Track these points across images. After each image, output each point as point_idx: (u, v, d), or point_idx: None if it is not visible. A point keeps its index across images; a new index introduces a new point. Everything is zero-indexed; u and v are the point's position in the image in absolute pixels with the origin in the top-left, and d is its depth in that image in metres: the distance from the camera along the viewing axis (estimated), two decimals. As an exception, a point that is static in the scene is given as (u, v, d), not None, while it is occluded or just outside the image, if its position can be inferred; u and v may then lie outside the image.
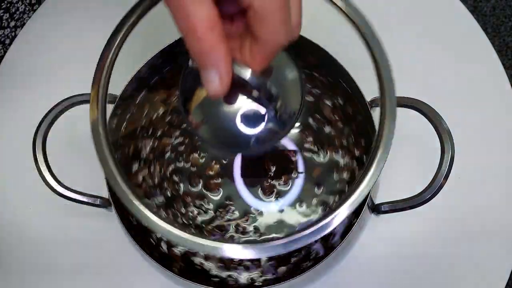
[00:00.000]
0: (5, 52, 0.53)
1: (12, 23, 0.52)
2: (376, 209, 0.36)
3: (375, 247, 0.45)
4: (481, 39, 0.52)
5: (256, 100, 0.29)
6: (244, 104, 0.30)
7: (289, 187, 0.37)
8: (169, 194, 0.39)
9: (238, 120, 0.30)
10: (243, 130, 0.30)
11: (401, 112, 0.38)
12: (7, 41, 0.52)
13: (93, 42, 0.53)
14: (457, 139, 0.36)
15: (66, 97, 0.39)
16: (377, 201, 0.36)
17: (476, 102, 0.49)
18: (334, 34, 0.43)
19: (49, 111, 0.38)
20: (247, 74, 0.27)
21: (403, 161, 0.46)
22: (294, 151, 0.37)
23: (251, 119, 0.30)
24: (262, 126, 0.30)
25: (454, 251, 0.45)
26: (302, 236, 0.33)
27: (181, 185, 0.39)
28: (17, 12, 0.52)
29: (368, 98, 0.39)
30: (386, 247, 0.45)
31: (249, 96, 0.29)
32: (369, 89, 0.38)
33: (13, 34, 0.53)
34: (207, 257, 0.38)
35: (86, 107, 0.40)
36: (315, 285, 0.44)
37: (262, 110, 0.30)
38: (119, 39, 0.31)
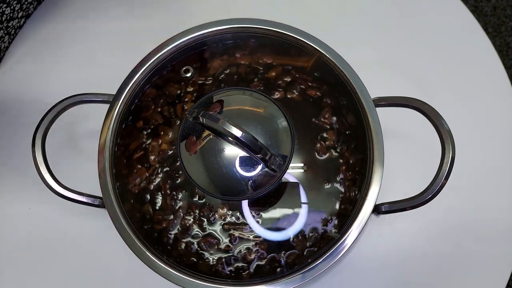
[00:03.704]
0: (9, 43, 0.53)
1: (20, 14, 0.51)
2: (376, 209, 0.36)
3: (375, 247, 0.45)
4: (481, 39, 0.52)
5: (249, 149, 0.32)
6: (238, 153, 0.33)
7: (293, 218, 0.37)
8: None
9: (235, 168, 0.33)
10: (240, 176, 0.33)
11: (402, 112, 0.38)
12: (12, 32, 0.52)
13: (96, 41, 0.53)
14: (457, 139, 0.36)
15: (66, 97, 0.39)
16: (377, 201, 0.36)
17: (476, 102, 0.49)
18: (338, 34, 0.44)
19: (49, 111, 0.38)
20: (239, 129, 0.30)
21: (403, 161, 0.46)
22: (296, 183, 0.38)
23: (247, 165, 0.33)
24: (257, 170, 0.33)
25: (454, 251, 0.45)
26: (320, 262, 0.34)
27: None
28: (26, 3, 0.51)
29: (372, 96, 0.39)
30: (386, 247, 0.45)
31: (242, 147, 0.32)
32: (373, 88, 0.39)
33: (19, 24, 0.52)
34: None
35: (85, 107, 0.40)
36: (315, 285, 0.44)
37: (256, 158, 0.33)
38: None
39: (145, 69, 0.40)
